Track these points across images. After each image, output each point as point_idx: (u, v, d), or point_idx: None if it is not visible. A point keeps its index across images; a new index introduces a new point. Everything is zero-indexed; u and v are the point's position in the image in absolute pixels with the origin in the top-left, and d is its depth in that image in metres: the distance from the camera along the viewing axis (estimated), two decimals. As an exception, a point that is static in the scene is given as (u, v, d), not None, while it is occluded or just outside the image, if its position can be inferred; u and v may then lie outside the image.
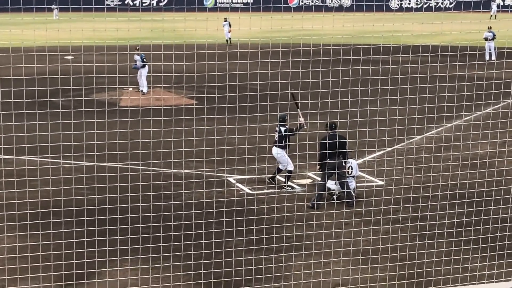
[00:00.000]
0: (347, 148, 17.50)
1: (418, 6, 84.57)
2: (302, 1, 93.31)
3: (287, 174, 19.06)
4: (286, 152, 18.89)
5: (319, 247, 13.23)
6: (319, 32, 13.67)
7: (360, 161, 20.62)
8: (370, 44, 12.72)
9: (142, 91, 33.55)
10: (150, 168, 15.01)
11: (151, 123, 11.60)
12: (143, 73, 33.26)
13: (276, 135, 18.84)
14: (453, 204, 13.34)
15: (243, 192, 18.52)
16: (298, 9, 76.60)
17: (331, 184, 17.93)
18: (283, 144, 18.81)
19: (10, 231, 12.75)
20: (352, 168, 18.10)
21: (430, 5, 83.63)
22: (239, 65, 13.05)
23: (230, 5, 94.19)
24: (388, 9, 76.69)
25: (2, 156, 12.37)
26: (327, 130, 17.48)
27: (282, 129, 18.82)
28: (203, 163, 18.10)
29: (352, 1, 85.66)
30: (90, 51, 14.88)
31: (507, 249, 12.75)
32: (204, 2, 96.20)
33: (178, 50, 11.72)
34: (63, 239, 11.86)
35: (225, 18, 53.63)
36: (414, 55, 12.56)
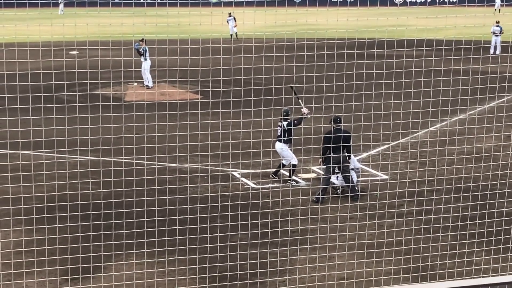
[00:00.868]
0: (351, 142, 17.52)
1: (423, 0, 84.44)
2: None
3: (291, 168, 19.08)
4: (289, 147, 18.90)
5: (323, 241, 13.26)
6: (324, 26, 13.68)
7: (364, 155, 20.64)
8: (375, 38, 12.72)
9: (147, 85, 33.63)
10: (155, 163, 15.06)
11: (156, 117, 11.62)
12: (145, 67, 33.39)
13: (279, 129, 18.85)
14: (458, 198, 13.36)
15: (248, 186, 18.54)
16: (303, 3, 76.43)
17: (334, 179, 17.96)
18: (286, 138, 18.81)
19: (16, 226, 12.80)
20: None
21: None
22: (243, 60, 13.08)
23: (234, 0, 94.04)
24: (393, 3, 76.53)
25: (8, 151, 12.40)
26: (331, 124, 17.49)
27: (285, 123, 18.82)
28: (208, 158, 18.13)
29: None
30: (95, 46, 14.92)
31: (511, 242, 12.76)
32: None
33: (183, 45, 11.74)
34: (69, 233, 11.89)
35: (229, 13, 53.44)
36: (419, 49, 12.55)
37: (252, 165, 18.38)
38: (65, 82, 12.45)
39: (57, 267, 11.93)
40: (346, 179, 17.49)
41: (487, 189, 13.08)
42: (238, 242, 12.35)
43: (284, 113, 18.73)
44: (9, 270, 11.84)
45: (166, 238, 11.16)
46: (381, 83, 11.73)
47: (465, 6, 13.91)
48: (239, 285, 11.90)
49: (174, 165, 17.59)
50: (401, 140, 21.15)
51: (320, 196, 17.13)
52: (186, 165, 18.44)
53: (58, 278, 12.13)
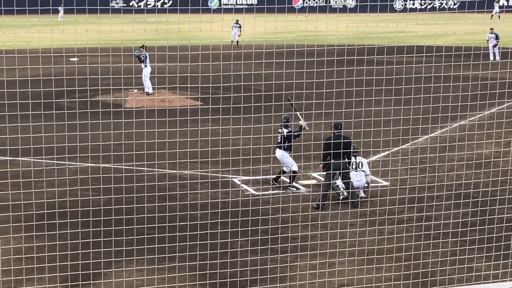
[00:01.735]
0: (351, 148, 17.51)
1: (422, 7, 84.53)
2: (306, 2, 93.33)
3: (291, 174, 19.07)
4: (290, 154, 18.89)
5: (324, 248, 13.25)
6: (323, 32, 13.69)
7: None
8: (374, 45, 12.74)
9: (147, 92, 33.65)
10: (155, 169, 15.05)
11: (156, 124, 11.63)
12: (146, 74, 33.43)
13: (279, 136, 18.85)
14: (458, 204, 13.34)
15: (248, 193, 18.53)
16: (302, 10, 76.61)
17: (339, 182, 17.92)
18: (286, 145, 18.80)
19: (16, 233, 12.79)
20: (362, 165, 18.09)
21: (434, 5, 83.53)
22: (243, 66, 13.08)
23: (234, 6, 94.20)
24: (392, 10, 76.64)
25: (8, 158, 12.40)
26: (332, 130, 17.49)
27: (285, 130, 18.81)
28: (208, 164, 18.13)
29: (356, 2, 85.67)
30: (95, 53, 14.92)
31: (512, 249, 12.75)
32: (209, 3, 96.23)
33: (183, 51, 11.75)
34: (69, 240, 11.89)
35: (237, 20, 53.22)
36: (419, 56, 12.57)
37: (252, 172, 18.37)
38: (65, 88, 12.46)
39: (57, 274, 11.91)
40: (346, 185, 17.49)
41: (487, 196, 13.07)
42: (239, 249, 12.34)
43: (284, 120, 18.73)
44: (9, 277, 11.82)
45: (166, 245, 11.15)
46: (381, 89, 11.73)
47: (464, 12, 13.92)
48: (240, 292, 11.89)
49: (174, 171, 17.58)
50: (401, 147, 21.14)
51: (320, 203, 17.12)
52: (186, 172, 18.44)
53: (58, 285, 12.11)
